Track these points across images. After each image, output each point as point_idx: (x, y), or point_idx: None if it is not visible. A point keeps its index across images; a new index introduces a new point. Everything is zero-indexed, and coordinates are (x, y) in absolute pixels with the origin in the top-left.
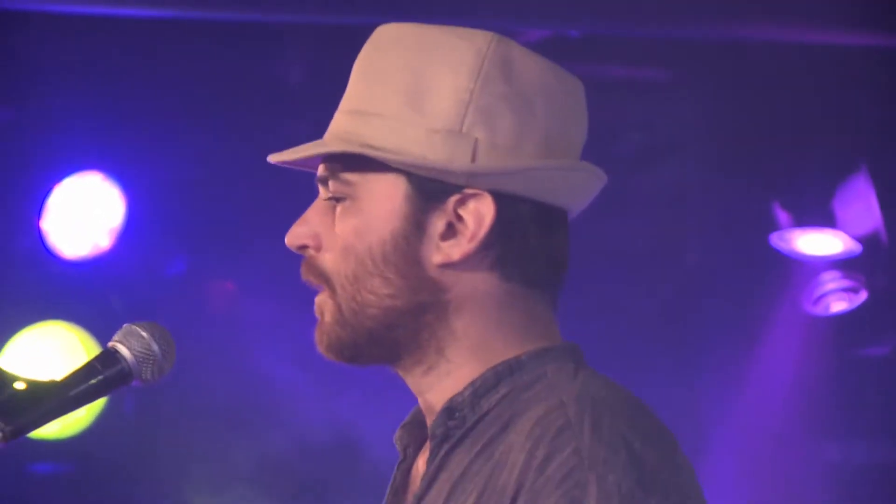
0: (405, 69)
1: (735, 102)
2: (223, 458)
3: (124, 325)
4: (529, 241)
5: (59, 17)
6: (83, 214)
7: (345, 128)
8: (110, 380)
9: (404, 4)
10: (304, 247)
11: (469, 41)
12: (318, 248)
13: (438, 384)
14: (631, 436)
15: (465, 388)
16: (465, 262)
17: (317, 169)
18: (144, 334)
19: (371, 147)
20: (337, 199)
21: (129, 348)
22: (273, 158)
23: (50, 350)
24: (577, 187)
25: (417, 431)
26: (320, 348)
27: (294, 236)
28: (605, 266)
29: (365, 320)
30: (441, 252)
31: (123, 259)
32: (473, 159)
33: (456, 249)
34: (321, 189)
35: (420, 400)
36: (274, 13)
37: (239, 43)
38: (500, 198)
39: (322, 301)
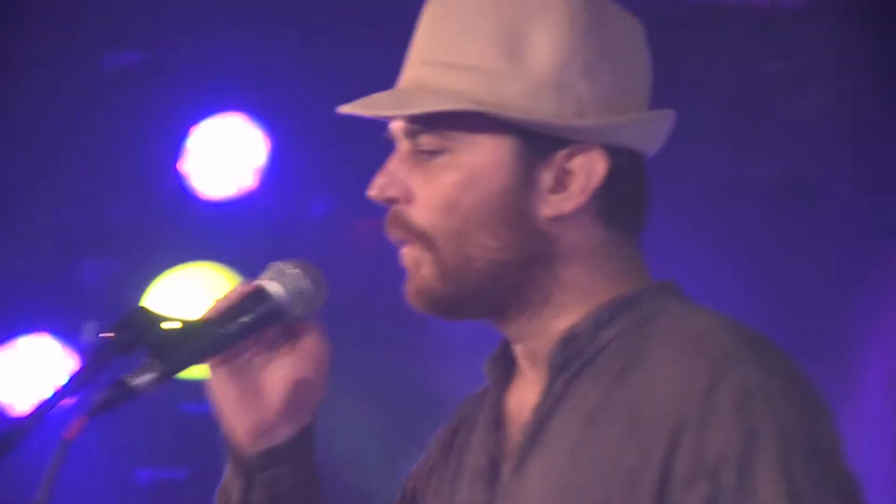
0: (498, 22)
1: (876, 28)
2: (372, 393)
3: (273, 264)
4: (629, 189)
5: None
6: (226, 155)
7: (438, 80)
8: (261, 317)
9: None
10: (392, 199)
11: None
12: (409, 201)
13: (544, 329)
14: (791, 365)
15: (583, 320)
16: (574, 215)
17: (387, 119)
18: (295, 271)
19: (478, 102)
20: (430, 153)
21: (280, 284)
22: (362, 110)
23: (196, 290)
24: (662, 134)
25: (503, 366)
26: (415, 302)
27: (380, 188)
28: (741, 199)
29: (471, 273)
30: (550, 205)
31: (268, 198)
32: (580, 113)
33: (567, 202)
34: (404, 140)
35: (519, 345)
36: None
37: None
38: (606, 150)
39: (417, 255)
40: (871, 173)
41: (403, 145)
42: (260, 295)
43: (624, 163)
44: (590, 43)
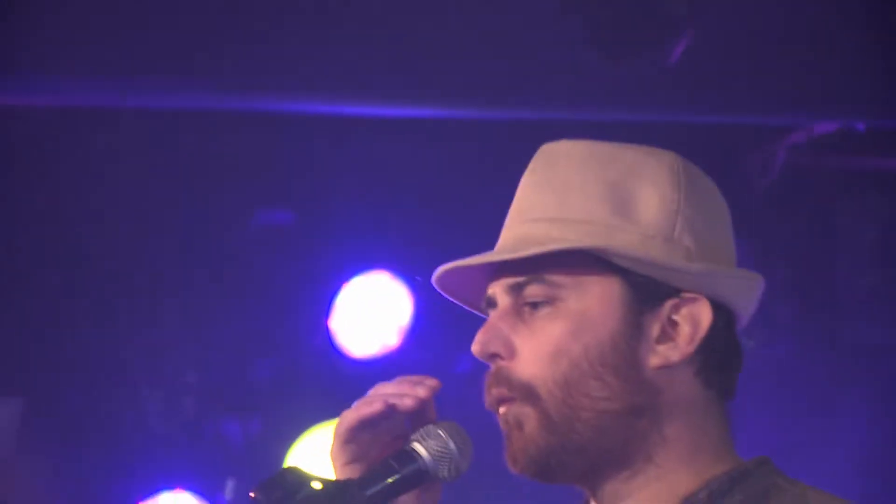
0: (604, 179)
1: None
2: None
3: (428, 421)
4: (727, 349)
5: (338, 119)
6: (372, 313)
7: (545, 232)
8: (407, 478)
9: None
10: (495, 355)
11: (658, 158)
12: (512, 356)
13: (645, 488)
14: None
15: (700, 490)
16: (677, 367)
17: (477, 301)
18: (441, 433)
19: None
20: (534, 305)
21: (425, 447)
22: (461, 263)
23: None
24: (754, 295)
25: None
26: (517, 462)
27: (483, 344)
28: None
29: (577, 424)
30: (658, 355)
31: (412, 356)
32: (688, 262)
33: (674, 352)
34: (506, 297)
35: None
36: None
37: (521, 142)
38: (711, 304)
39: (518, 411)
40: None
41: (505, 301)
42: (407, 456)
43: (723, 320)
44: (691, 201)
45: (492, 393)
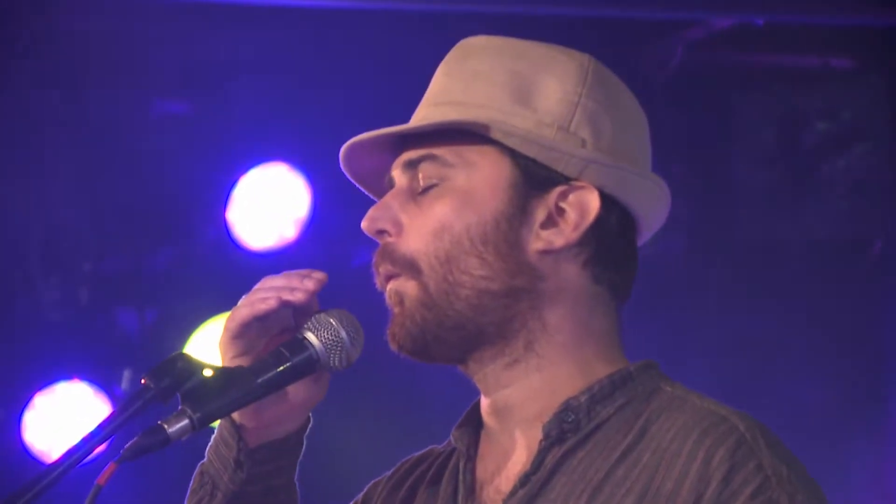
0: (507, 71)
1: None
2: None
3: (314, 314)
4: (618, 246)
5: (245, 8)
6: (269, 205)
7: (444, 114)
8: (298, 367)
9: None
10: (382, 231)
11: (569, 55)
12: (399, 233)
13: (525, 379)
14: (793, 454)
15: (581, 393)
16: (563, 254)
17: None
18: (333, 322)
19: (484, 127)
20: (429, 188)
21: (317, 335)
22: (371, 135)
23: None
24: (658, 203)
25: (473, 431)
26: (395, 337)
27: (372, 220)
28: (790, 256)
29: (455, 301)
30: (541, 239)
31: (309, 249)
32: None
33: (558, 237)
34: (401, 177)
35: (492, 397)
36: (457, 3)
37: (423, 32)
38: (601, 195)
39: (400, 286)
40: None
41: (401, 181)
42: (299, 344)
43: (616, 217)
44: (597, 98)
45: (379, 271)
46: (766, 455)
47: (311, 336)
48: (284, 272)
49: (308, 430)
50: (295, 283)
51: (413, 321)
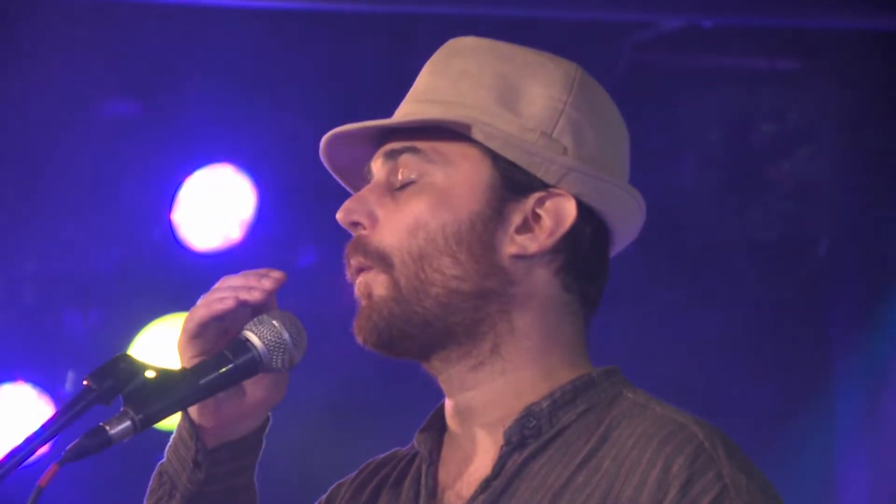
0: (494, 73)
1: (866, 90)
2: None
3: (258, 316)
4: (591, 256)
5: (188, 9)
6: (214, 206)
7: (428, 111)
8: (240, 368)
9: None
10: (357, 224)
11: (557, 63)
12: (373, 226)
13: (489, 382)
14: (751, 463)
15: (543, 399)
16: (536, 260)
17: (358, 173)
18: (276, 323)
19: (466, 128)
20: (407, 184)
21: (259, 337)
22: (356, 126)
23: None
24: (634, 216)
25: (436, 435)
26: (361, 329)
27: (347, 212)
28: (737, 257)
29: (425, 299)
30: (515, 243)
31: (255, 251)
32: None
33: (532, 243)
34: (381, 169)
35: (456, 399)
36: (407, 4)
37: (369, 35)
38: (578, 205)
39: (370, 279)
40: (861, 234)
41: (380, 174)
42: (241, 345)
43: (591, 229)
44: (581, 108)
45: (350, 263)
46: (725, 464)
47: (252, 337)
48: (243, 271)
49: (268, 429)
50: (253, 282)
51: (380, 315)
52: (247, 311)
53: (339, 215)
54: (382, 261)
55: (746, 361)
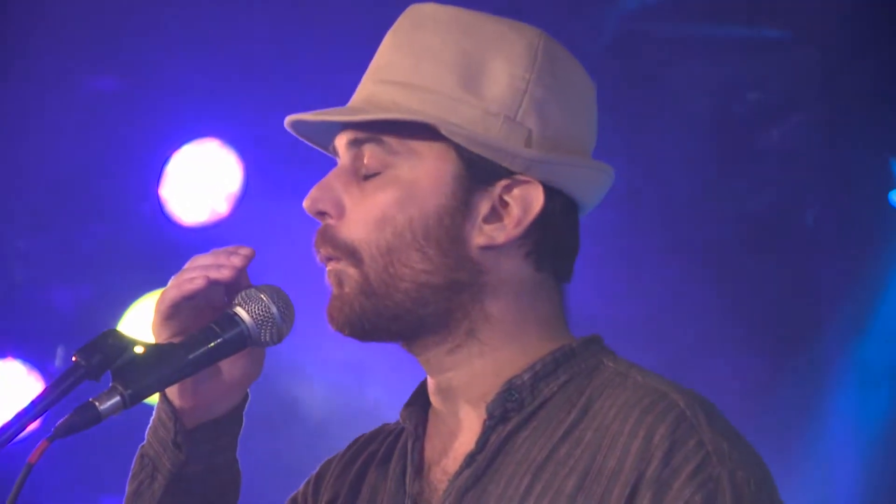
0: (456, 50)
1: (851, 59)
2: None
3: (245, 290)
4: (562, 234)
5: None
6: (202, 181)
7: (391, 97)
8: (229, 342)
9: None
10: (323, 213)
11: (520, 33)
12: (340, 216)
13: (468, 363)
14: (735, 429)
15: (524, 372)
16: (505, 248)
17: (326, 142)
18: (264, 297)
19: (427, 118)
20: (369, 174)
21: (248, 311)
22: (311, 117)
23: None
24: (602, 187)
25: (420, 411)
26: (335, 320)
27: (314, 201)
28: (721, 227)
29: (395, 293)
30: (483, 234)
31: (242, 225)
32: (526, 146)
33: (500, 233)
34: (346, 154)
35: (437, 379)
36: None
37: (360, 8)
38: (545, 189)
39: (341, 271)
40: (848, 203)
41: (345, 159)
42: (230, 320)
43: (560, 206)
44: (545, 83)
45: (319, 251)
46: (706, 432)
47: (241, 311)
48: (212, 250)
49: (246, 406)
50: (222, 260)
51: (352, 308)
52: (219, 290)
53: (305, 204)
54: (351, 255)
55: (732, 330)
